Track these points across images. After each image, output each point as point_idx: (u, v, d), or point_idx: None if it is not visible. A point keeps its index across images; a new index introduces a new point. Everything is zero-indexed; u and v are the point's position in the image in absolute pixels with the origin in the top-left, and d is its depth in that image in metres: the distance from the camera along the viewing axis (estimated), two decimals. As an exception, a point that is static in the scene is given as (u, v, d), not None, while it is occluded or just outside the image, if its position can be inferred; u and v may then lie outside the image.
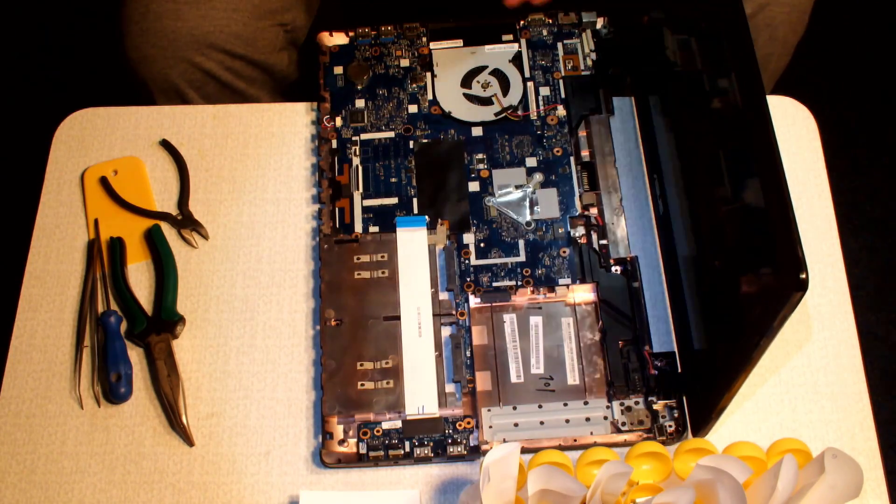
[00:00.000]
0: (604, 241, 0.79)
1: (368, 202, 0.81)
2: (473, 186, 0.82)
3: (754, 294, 0.60)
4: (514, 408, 0.74)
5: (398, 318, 0.76)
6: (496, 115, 0.85)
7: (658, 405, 0.73)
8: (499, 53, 0.88)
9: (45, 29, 1.62)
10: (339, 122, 0.85)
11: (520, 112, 0.85)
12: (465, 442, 0.72)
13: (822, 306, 0.78)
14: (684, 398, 0.73)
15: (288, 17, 0.98)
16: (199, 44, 0.91)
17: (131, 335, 0.77)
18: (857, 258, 1.42)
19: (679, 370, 0.75)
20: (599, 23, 0.88)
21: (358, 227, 0.80)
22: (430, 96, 0.86)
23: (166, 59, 0.91)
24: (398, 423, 0.73)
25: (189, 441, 0.73)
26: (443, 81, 0.86)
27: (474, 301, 0.77)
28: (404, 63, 0.87)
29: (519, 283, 0.78)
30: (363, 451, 0.72)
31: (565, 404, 0.74)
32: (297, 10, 0.99)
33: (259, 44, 0.95)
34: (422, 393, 0.73)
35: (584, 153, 0.83)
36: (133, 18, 0.90)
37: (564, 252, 0.79)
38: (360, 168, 0.83)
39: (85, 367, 0.76)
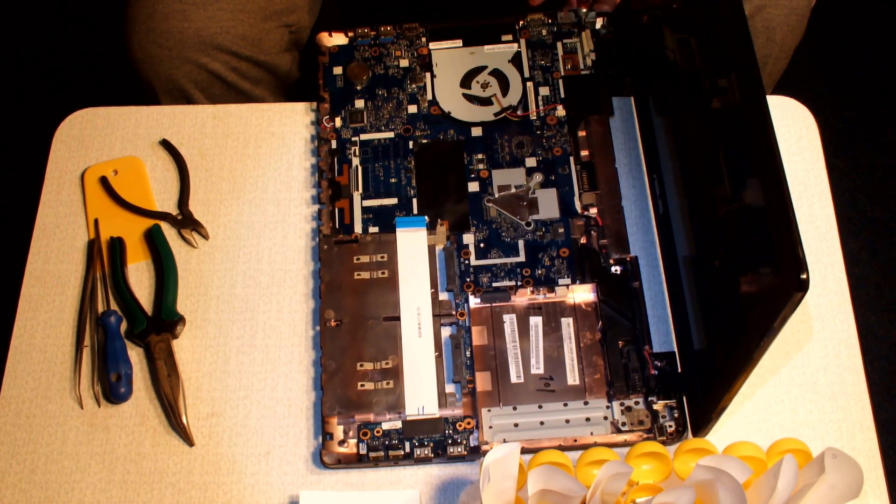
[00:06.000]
0: (604, 241, 0.79)
1: (368, 202, 0.81)
2: (473, 187, 0.82)
3: (754, 294, 0.60)
4: (514, 408, 0.74)
5: (398, 318, 0.76)
6: (496, 115, 0.85)
7: (658, 405, 0.73)
8: (498, 53, 0.87)
9: (46, 29, 1.62)
10: (338, 122, 0.85)
11: (519, 112, 0.85)
12: (465, 442, 0.72)
13: (822, 306, 0.78)
14: (684, 398, 0.73)
15: (293, 17, 0.98)
16: (205, 45, 0.91)
17: (131, 335, 0.77)
18: (857, 258, 1.42)
19: (679, 370, 0.75)
20: (599, 23, 0.88)
21: (358, 228, 0.80)
22: (429, 96, 0.86)
23: (172, 59, 0.91)
24: (398, 424, 0.73)
25: (189, 441, 0.73)
26: (442, 81, 0.86)
27: (474, 301, 0.77)
28: (404, 63, 0.87)
29: (519, 283, 0.78)
30: (363, 451, 0.72)
31: (565, 404, 0.74)
32: (301, 11, 0.99)
33: (265, 45, 0.95)
34: (422, 393, 0.73)
35: (584, 153, 0.83)
36: (139, 19, 0.90)
37: (564, 252, 0.79)
38: (359, 168, 0.83)
39: (85, 367, 0.76)
